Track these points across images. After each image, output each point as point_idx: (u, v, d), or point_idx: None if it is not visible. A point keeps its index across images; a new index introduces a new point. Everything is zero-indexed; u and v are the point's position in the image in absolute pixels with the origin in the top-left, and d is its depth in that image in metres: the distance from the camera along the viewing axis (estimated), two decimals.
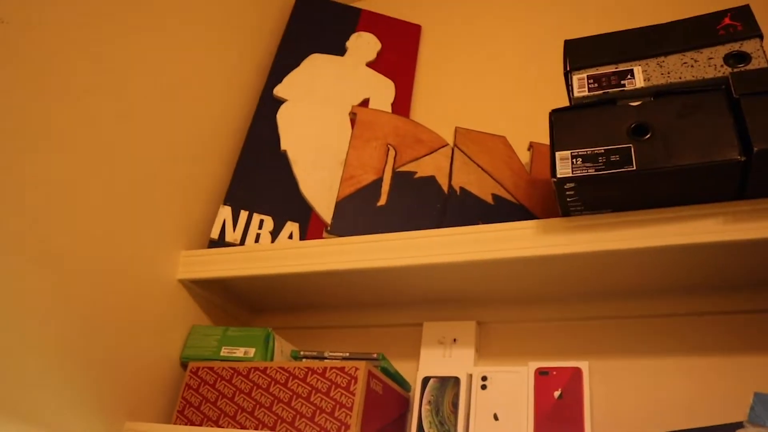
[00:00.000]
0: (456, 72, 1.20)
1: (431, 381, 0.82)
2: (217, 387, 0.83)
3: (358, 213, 0.85)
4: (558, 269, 0.78)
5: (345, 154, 1.05)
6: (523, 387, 0.76)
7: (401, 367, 0.92)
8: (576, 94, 0.72)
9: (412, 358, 0.92)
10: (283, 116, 1.09)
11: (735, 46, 0.70)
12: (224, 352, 0.87)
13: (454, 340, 0.87)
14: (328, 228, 0.83)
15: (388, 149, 0.91)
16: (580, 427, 0.71)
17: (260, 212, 0.98)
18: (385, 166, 0.89)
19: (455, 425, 0.78)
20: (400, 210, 0.86)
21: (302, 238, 0.96)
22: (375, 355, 0.79)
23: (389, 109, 1.14)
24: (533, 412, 0.74)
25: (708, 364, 0.78)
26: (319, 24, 1.23)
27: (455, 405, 0.79)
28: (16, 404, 0.67)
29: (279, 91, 1.11)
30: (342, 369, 0.76)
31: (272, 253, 0.86)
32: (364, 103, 1.14)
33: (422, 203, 0.87)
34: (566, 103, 1.04)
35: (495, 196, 0.89)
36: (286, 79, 1.13)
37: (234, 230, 0.95)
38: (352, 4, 1.35)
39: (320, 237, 0.96)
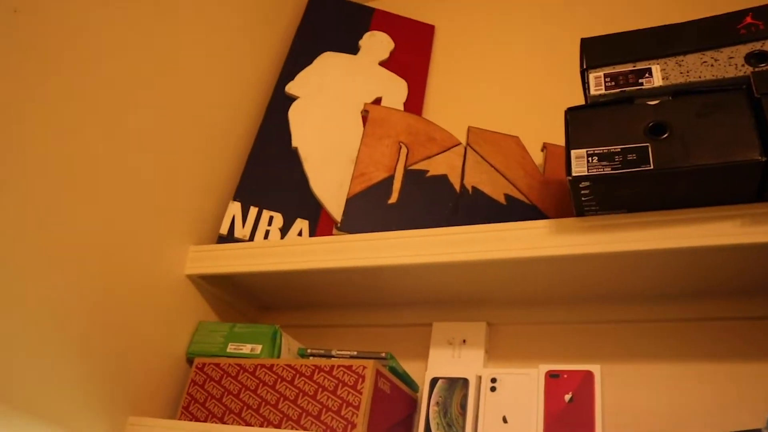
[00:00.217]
0: (469, 72, 1.20)
1: (440, 382, 0.80)
2: (223, 383, 0.82)
3: (369, 210, 0.84)
4: (571, 270, 0.77)
5: (356, 152, 1.05)
6: (533, 390, 0.75)
7: (410, 368, 0.91)
8: (592, 92, 0.71)
9: (420, 359, 0.91)
10: (294, 113, 1.08)
11: (757, 46, 0.68)
12: (231, 348, 0.86)
13: (464, 341, 0.86)
14: (338, 225, 0.83)
15: (400, 147, 0.90)
16: (591, 431, 0.70)
17: (270, 209, 0.97)
18: (396, 164, 0.88)
19: (463, 427, 0.76)
20: (411, 208, 0.85)
21: (312, 235, 0.96)
22: (383, 354, 0.78)
23: (401, 108, 1.14)
24: (543, 416, 0.72)
25: (722, 371, 0.76)
26: (333, 23, 1.23)
27: (463, 407, 0.78)
28: (19, 397, 0.66)
29: (291, 88, 1.11)
30: (350, 367, 0.75)
31: (281, 250, 0.85)
32: (377, 101, 1.13)
33: (434, 202, 0.86)
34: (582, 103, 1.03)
35: (507, 197, 0.87)
36: (299, 77, 1.12)
37: (243, 226, 0.94)
38: (365, 4, 1.34)
39: (330, 234, 0.95)
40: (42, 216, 0.71)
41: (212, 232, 0.98)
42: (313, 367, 0.77)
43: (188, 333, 0.91)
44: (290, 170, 1.02)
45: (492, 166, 0.90)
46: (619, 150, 0.65)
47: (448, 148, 0.92)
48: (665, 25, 0.74)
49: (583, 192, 0.67)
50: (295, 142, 1.04)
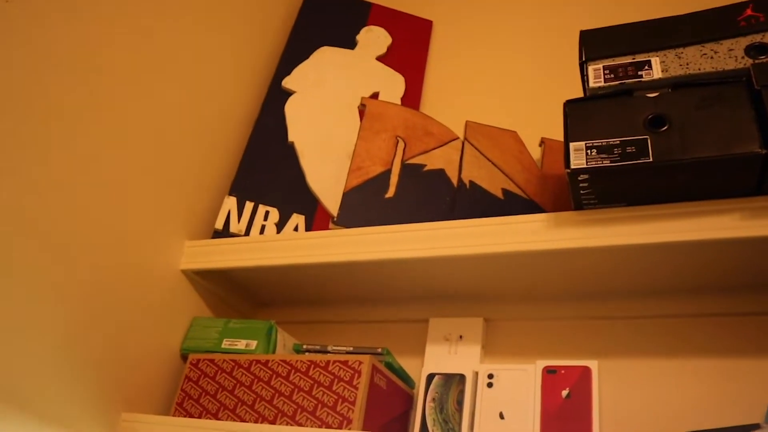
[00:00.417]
0: (467, 67, 1.19)
1: (436, 378, 0.80)
2: (218, 379, 0.81)
3: (366, 204, 0.83)
4: (568, 265, 0.76)
5: (353, 146, 1.04)
6: (530, 385, 0.74)
7: (406, 364, 0.90)
8: (591, 84, 0.70)
9: (417, 355, 0.90)
10: (291, 108, 1.07)
11: (757, 38, 0.67)
12: (225, 344, 0.85)
13: (461, 336, 0.85)
14: (335, 219, 0.82)
15: (398, 141, 0.89)
16: (588, 427, 0.69)
17: (266, 203, 0.96)
18: (393, 158, 0.88)
19: (459, 423, 0.76)
20: (408, 202, 0.84)
21: (308, 230, 0.95)
22: (379, 350, 0.77)
23: (399, 103, 1.13)
24: (540, 411, 0.72)
25: (720, 367, 0.75)
26: (330, 17, 1.22)
27: (460, 403, 0.77)
28: (11, 393, 0.65)
29: (288, 82, 1.10)
30: (345, 363, 0.74)
31: (277, 244, 0.84)
32: (374, 96, 1.12)
33: (431, 196, 0.85)
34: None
35: (505, 191, 0.87)
36: (295, 71, 1.12)
37: (239, 221, 0.93)
38: None
39: (326, 229, 0.95)
40: (36, 211, 0.70)
41: (207, 226, 0.97)
42: (309, 363, 0.77)
43: (182, 329, 0.90)
44: (286, 165, 1.01)
45: (489, 160, 0.89)
46: (618, 142, 0.65)
47: (446, 143, 0.91)
48: (665, 18, 0.73)
49: (581, 185, 0.66)
50: (291, 137, 1.04)
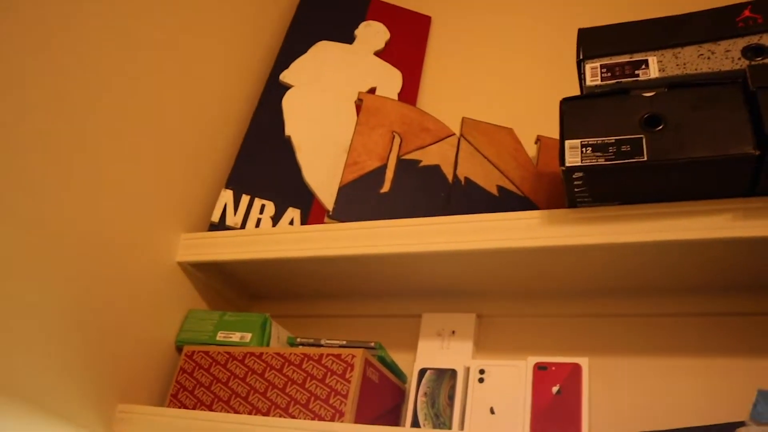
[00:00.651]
0: (464, 64, 1.19)
1: (428, 373, 0.80)
2: (212, 371, 0.81)
3: (361, 199, 0.84)
4: (561, 263, 0.76)
5: (349, 141, 1.04)
6: (521, 381, 0.74)
7: (398, 358, 0.91)
8: (588, 83, 0.71)
9: (409, 349, 0.91)
10: (288, 102, 1.07)
11: (754, 39, 0.68)
12: (220, 336, 0.86)
13: (453, 332, 0.85)
14: (330, 213, 0.82)
15: (394, 137, 0.89)
16: (578, 423, 0.70)
17: (262, 197, 0.96)
18: (389, 153, 0.88)
19: (450, 418, 0.76)
20: (403, 198, 0.85)
21: (303, 224, 0.95)
22: (372, 344, 0.77)
23: (396, 99, 1.13)
24: (530, 408, 0.72)
25: (710, 365, 0.76)
26: (329, 11, 1.22)
27: (451, 398, 0.77)
28: (7, 384, 0.65)
29: (285, 76, 1.10)
30: (338, 356, 0.75)
31: (273, 237, 0.85)
32: (371, 92, 1.12)
33: (426, 192, 0.85)
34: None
35: (500, 188, 0.87)
36: (293, 65, 1.12)
37: (235, 214, 0.93)
38: None
39: (322, 223, 0.95)
40: (32, 203, 0.70)
41: (204, 219, 0.97)
42: (302, 356, 0.77)
43: (178, 321, 0.90)
44: (283, 159, 1.01)
45: (485, 157, 0.89)
46: (613, 141, 0.65)
47: (442, 139, 0.91)
48: (663, 17, 0.73)
49: (576, 183, 0.67)
50: (288, 131, 1.04)
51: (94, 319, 0.77)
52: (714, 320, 0.78)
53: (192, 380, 0.82)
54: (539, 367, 0.74)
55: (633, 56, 0.71)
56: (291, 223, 0.95)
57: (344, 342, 0.78)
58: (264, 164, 1.00)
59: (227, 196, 0.95)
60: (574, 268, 0.77)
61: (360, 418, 0.72)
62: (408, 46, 1.22)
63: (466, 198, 0.85)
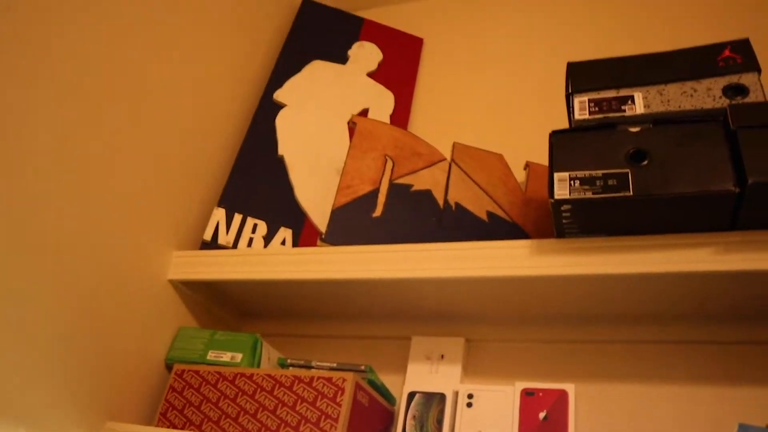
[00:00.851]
0: (456, 87, 1.21)
1: (417, 396, 0.82)
2: (202, 391, 0.82)
3: (353, 223, 0.85)
4: (550, 290, 0.78)
5: (342, 162, 1.06)
6: (509, 407, 0.76)
7: (387, 380, 0.92)
8: (577, 116, 0.73)
9: (398, 372, 0.92)
10: (281, 121, 1.09)
11: (734, 79, 0.70)
12: (211, 355, 0.86)
13: (442, 356, 0.87)
14: (323, 236, 0.83)
15: (386, 161, 0.91)
16: None
17: (254, 216, 0.97)
18: (382, 177, 0.89)
19: None
20: (395, 222, 0.86)
21: (295, 244, 0.96)
22: (363, 367, 0.79)
23: (388, 120, 1.15)
24: None
25: (693, 393, 0.78)
26: (322, 31, 1.24)
27: (440, 422, 0.79)
28: None
29: (279, 95, 1.11)
30: (329, 379, 0.76)
31: (265, 258, 0.86)
32: (363, 112, 1.14)
33: (418, 217, 0.87)
34: (565, 124, 1.05)
35: (490, 214, 0.89)
36: (287, 84, 1.13)
37: (227, 233, 0.95)
38: (355, 14, 1.35)
39: (313, 244, 0.96)
40: (24, 219, 0.71)
41: (196, 237, 0.98)
42: (293, 378, 0.78)
43: (168, 338, 0.91)
44: (275, 178, 1.02)
45: (475, 182, 0.91)
46: (600, 175, 0.67)
47: (433, 164, 0.93)
48: (648, 54, 0.76)
49: (564, 214, 0.69)
50: (281, 150, 1.05)
51: (83, 336, 0.77)
52: (697, 348, 0.80)
53: (182, 399, 0.83)
54: (527, 393, 0.75)
55: (620, 91, 0.74)
56: (283, 242, 0.96)
57: (335, 364, 0.79)
58: (257, 183, 1.01)
59: (220, 214, 0.96)
60: (561, 295, 0.79)
61: None
62: (400, 68, 1.24)
63: (457, 223, 0.86)
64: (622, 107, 0.72)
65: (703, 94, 0.70)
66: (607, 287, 0.75)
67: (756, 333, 0.78)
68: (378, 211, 0.86)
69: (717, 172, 0.64)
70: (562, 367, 0.84)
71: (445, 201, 0.89)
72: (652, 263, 0.68)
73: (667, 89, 0.72)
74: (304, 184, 1.02)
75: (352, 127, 0.95)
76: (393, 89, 1.20)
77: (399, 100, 1.19)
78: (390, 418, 0.86)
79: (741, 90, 0.69)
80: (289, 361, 0.83)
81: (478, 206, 0.89)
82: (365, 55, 1.23)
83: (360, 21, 1.28)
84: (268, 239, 0.96)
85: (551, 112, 1.09)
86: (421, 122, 1.19)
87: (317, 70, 1.17)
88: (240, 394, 0.80)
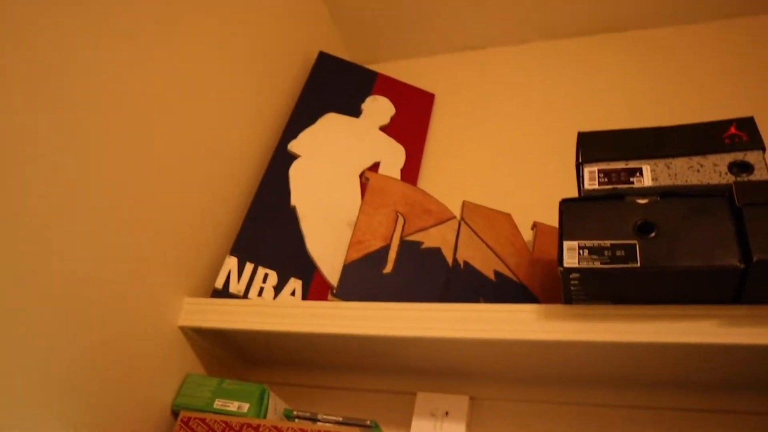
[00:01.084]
0: (466, 143, 1.24)
1: None
2: None
3: (364, 278, 0.87)
4: (555, 354, 0.80)
5: (353, 214, 1.08)
6: None
7: None
8: (586, 186, 0.75)
9: (403, 427, 0.92)
10: (295, 172, 1.11)
11: (739, 156, 0.73)
12: (218, 404, 0.87)
13: (446, 413, 0.87)
14: (334, 291, 0.85)
15: (398, 217, 0.93)
16: None
17: (265, 266, 0.99)
18: (393, 233, 0.91)
19: None
20: (405, 279, 0.88)
21: (304, 295, 0.98)
22: (368, 422, 0.79)
23: (399, 174, 1.17)
24: None
25: None
26: (338, 84, 1.27)
27: None
28: None
29: (293, 146, 1.14)
30: None
31: (275, 310, 0.87)
32: (375, 166, 1.17)
33: (427, 274, 0.89)
34: (572, 185, 1.07)
35: (497, 273, 0.91)
36: (301, 136, 1.16)
37: (239, 281, 0.96)
38: (369, 68, 1.39)
39: (322, 296, 0.98)
40: (33, 259, 0.73)
41: (207, 283, 1.00)
42: (299, 431, 0.79)
43: (175, 384, 0.92)
44: (287, 228, 1.04)
45: (484, 242, 0.93)
46: (608, 245, 0.69)
47: (443, 221, 0.95)
48: (657, 127, 0.79)
49: (572, 282, 0.71)
50: (293, 201, 1.07)
51: (91, 379, 0.78)
52: (698, 416, 0.81)
53: None
54: None
55: (628, 163, 0.76)
56: (293, 293, 0.97)
57: (340, 419, 0.80)
58: (269, 232, 1.03)
59: (232, 262, 0.98)
60: (567, 359, 0.80)
61: None
62: (412, 122, 1.27)
63: (465, 282, 0.88)
64: (631, 179, 0.74)
65: (710, 170, 0.73)
66: (613, 353, 0.77)
67: (757, 404, 0.79)
68: (389, 268, 0.88)
69: (722, 247, 0.66)
70: (565, 429, 0.85)
71: (454, 259, 0.90)
72: (657, 333, 0.69)
73: (675, 163, 0.75)
74: (315, 236, 1.04)
75: (365, 182, 0.97)
76: (404, 143, 1.23)
77: (410, 154, 1.22)
78: None
79: (746, 167, 0.72)
80: (295, 413, 0.84)
81: (486, 265, 0.91)
82: (378, 109, 1.26)
83: (374, 75, 1.32)
84: (278, 289, 0.97)
85: (558, 172, 1.11)
86: (430, 176, 1.21)
87: (331, 123, 1.20)
88: None
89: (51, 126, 0.75)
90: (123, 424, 0.82)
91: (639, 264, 0.67)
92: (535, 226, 0.98)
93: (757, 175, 0.71)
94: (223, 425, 0.83)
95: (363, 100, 1.27)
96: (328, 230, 1.05)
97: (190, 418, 0.86)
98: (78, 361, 0.76)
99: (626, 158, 0.77)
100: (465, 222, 0.95)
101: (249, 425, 0.82)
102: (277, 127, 1.22)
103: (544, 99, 1.24)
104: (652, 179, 0.74)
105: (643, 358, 0.77)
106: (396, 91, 1.31)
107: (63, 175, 0.75)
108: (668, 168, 0.74)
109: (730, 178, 0.72)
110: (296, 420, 0.83)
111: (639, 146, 0.77)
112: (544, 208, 1.06)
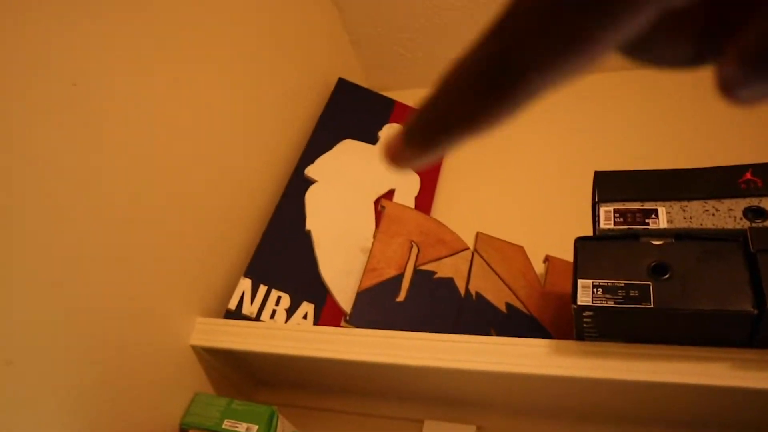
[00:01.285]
0: (480, 174, 1.25)
1: None
2: None
3: (377, 306, 0.88)
4: (564, 389, 0.80)
5: (367, 240, 1.09)
6: None
7: None
8: (602, 225, 0.76)
9: None
10: (311, 196, 1.13)
11: (754, 201, 0.74)
12: (226, 425, 0.87)
13: None
14: (347, 318, 0.86)
15: (412, 246, 0.94)
16: None
17: (279, 288, 1.00)
18: (407, 262, 0.92)
19: None
20: (417, 308, 0.89)
21: (316, 319, 0.99)
22: None
23: (413, 202, 1.19)
24: None
25: None
26: (355, 111, 1.29)
27: None
28: None
29: (310, 171, 1.15)
30: None
31: (287, 334, 0.88)
32: (390, 193, 1.18)
33: (439, 304, 0.89)
34: (585, 218, 1.08)
35: (508, 305, 0.91)
36: (318, 161, 1.18)
37: (252, 303, 0.97)
38: (386, 95, 1.41)
39: (334, 320, 0.98)
40: (55, 277, 0.74)
41: (220, 304, 1.01)
42: None
43: (183, 402, 0.92)
44: (302, 252, 1.06)
45: (496, 273, 0.94)
46: (622, 285, 0.70)
47: (457, 252, 0.96)
48: (673, 170, 0.80)
49: (585, 319, 0.71)
50: (308, 225, 1.09)
51: (102, 393, 0.79)
52: None
53: None
54: None
55: (644, 204, 0.77)
56: (305, 317, 0.98)
57: None
58: (284, 256, 1.04)
59: (245, 284, 0.99)
60: (575, 394, 0.81)
61: None
62: None
63: (476, 313, 0.89)
64: (646, 220, 0.75)
65: (725, 214, 0.74)
66: (622, 391, 0.77)
67: None
68: (402, 296, 0.89)
69: (736, 292, 0.67)
70: None
71: (466, 290, 0.91)
72: (667, 373, 0.69)
73: (690, 206, 0.75)
74: (329, 260, 1.05)
75: (380, 211, 0.98)
76: (419, 171, 1.24)
77: (424, 183, 1.23)
78: None
79: (761, 213, 0.73)
80: None
81: (498, 297, 0.92)
82: None
83: (392, 103, 1.34)
84: (290, 312, 0.98)
85: (572, 205, 1.12)
86: (444, 206, 1.23)
87: (348, 149, 1.22)
88: None
89: (79, 151, 0.77)
90: None
91: (652, 305, 0.68)
92: (547, 259, 0.99)
93: None
94: None
95: (380, 128, 1.29)
96: (342, 255, 1.06)
97: None
98: (89, 374, 0.77)
99: (642, 199, 0.78)
100: (478, 253, 0.96)
101: None
102: (294, 151, 1.24)
103: (561, 133, 1.25)
104: (668, 221, 0.75)
105: (651, 396, 0.77)
106: None
107: (83, 196, 0.77)
108: (684, 210, 0.75)
109: (745, 223, 0.72)
110: None
111: (655, 188, 0.78)
112: (557, 241, 1.07)
